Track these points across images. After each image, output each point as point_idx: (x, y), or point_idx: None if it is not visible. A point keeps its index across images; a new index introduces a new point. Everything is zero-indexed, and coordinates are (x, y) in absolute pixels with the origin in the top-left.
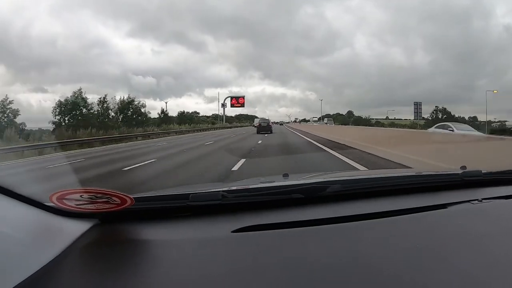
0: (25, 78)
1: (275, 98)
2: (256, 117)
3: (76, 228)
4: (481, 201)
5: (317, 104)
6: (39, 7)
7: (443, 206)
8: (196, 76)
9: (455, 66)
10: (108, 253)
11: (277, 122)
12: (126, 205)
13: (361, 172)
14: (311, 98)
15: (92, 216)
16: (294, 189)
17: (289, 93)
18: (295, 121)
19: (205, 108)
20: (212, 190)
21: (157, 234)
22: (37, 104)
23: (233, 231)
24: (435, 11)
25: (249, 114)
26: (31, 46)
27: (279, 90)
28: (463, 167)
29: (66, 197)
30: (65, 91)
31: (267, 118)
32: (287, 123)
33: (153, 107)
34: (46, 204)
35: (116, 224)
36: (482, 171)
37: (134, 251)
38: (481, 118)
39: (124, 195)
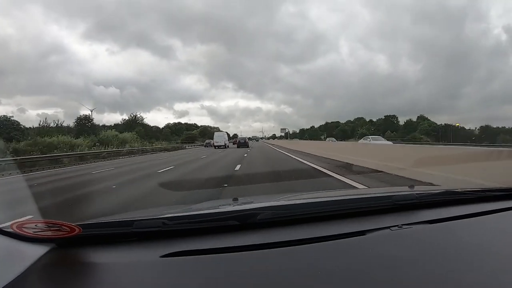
0: None
1: (249, 112)
2: (217, 130)
3: (35, 252)
4: (401, 227)
5: (292, 118)
6: None
7: (362, 233)
8: (164, 89)
9: (442, 73)
10: (60, 275)
11: (251, 138)
12: (74, 233)
13: (314, 194)
14: (286, 112)
15: (50, 241)
16: (230, 216)
17: (264, 107)
18: (272, 138)
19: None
20: (155, 217)
21: (103, 258)
22: None
23: (162, 256)
24: (429, 12)
25: (221, 128)
26: None
27: (253, 103)
28: (411, 186)
29: (25, 225)
30: (22, 102)
31: (241, 134)
32: (261, 139)
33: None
34: (7, 230)
35: (71, 249)
36: (416, 193)
37: (80, 274)
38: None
39: (71, 225)
